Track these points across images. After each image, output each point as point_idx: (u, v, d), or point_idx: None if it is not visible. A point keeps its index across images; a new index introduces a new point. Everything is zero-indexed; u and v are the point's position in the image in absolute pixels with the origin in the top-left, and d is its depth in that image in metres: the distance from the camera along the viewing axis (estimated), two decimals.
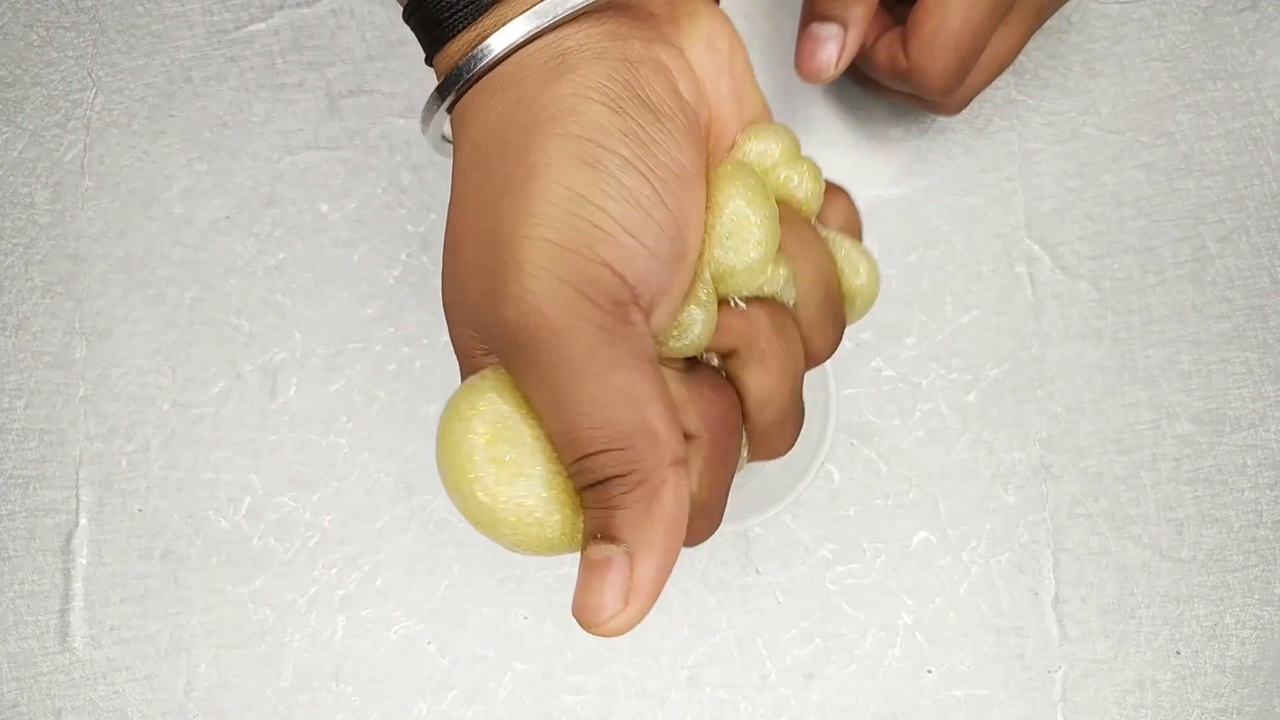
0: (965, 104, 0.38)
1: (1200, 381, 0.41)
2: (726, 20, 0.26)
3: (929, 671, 0.40)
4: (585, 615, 0.21)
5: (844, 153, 0.42)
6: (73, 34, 0.43)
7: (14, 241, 0.42)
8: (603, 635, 0.21)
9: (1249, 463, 0.41)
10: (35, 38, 0.43)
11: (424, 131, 0.25)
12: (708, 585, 0.40)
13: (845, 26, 0.35)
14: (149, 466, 0.41)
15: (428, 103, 0.24)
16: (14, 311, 0.41)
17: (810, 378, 0.38)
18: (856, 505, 0.40)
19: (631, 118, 0.22)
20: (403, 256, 0.41)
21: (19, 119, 0.42)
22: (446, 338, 0.30)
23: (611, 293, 0.21)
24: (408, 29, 0.43)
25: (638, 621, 0.22)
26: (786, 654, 0.40)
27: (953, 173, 0.42)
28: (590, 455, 0.21)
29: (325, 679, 0.40)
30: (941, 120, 0.42)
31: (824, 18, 0.36)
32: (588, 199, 0.21)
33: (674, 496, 0.22)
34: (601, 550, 0.21)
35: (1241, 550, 0.40)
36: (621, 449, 0.21)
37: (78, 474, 0.41)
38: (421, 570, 0.40)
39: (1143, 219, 0.42)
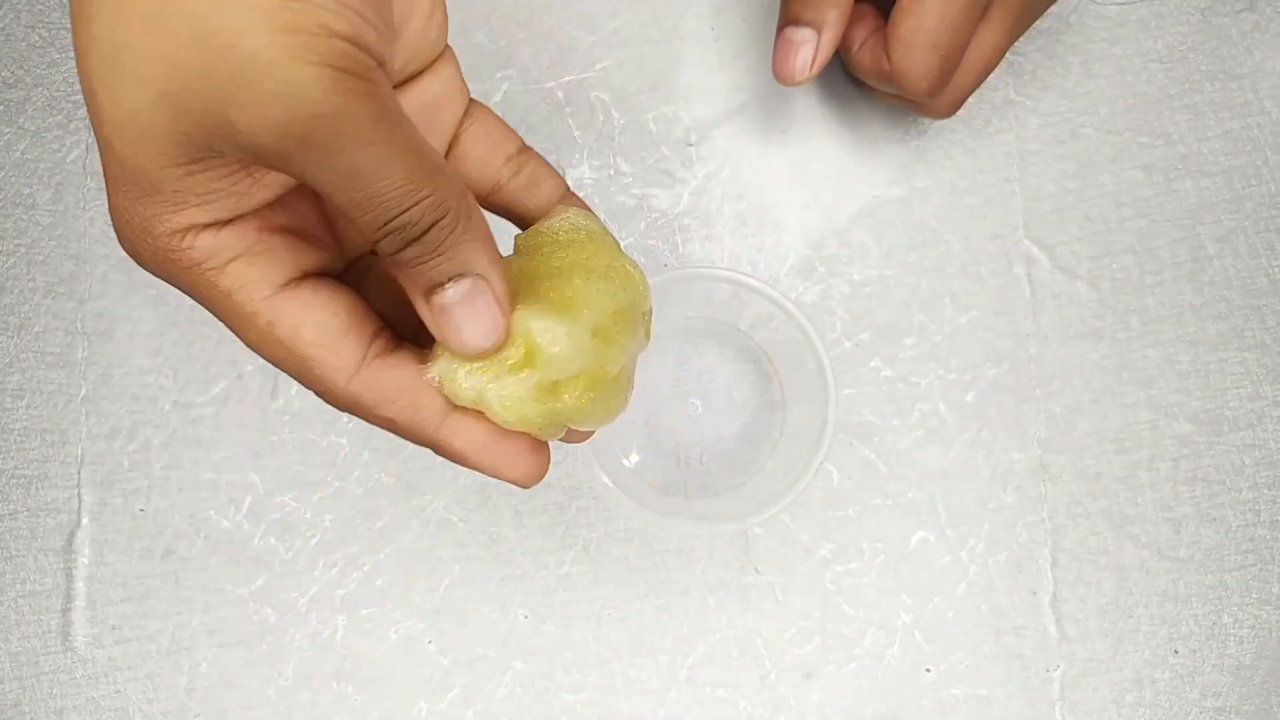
0: (956, 106, 0.38)
1: (1198, 381, 0.41)
2: None
3: (928, 671, 0.40)
4: (472, 343, 0.24)
5: (843, 153, 0.42)
6: None
7: (16, 242, 0.42)
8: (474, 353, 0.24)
9: (1247, 462, 0.41)
10: (37, 39, 0.43)
11: None
12: (707, 585, 0.40)
13: (819, 31, 0.36)
14: (150, 466, 0.41)
15: None
16: (16, 312, 0.42)
17: (810, 378, 0.38)
18: (855, 505, 0.41)
19: None
20: None
21: (21, 120, 0.42)
22: None
23: (361, 62, 0.21)
24: None
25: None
26: (786, 653, 0.40)
27: (951, 173, 0.42)
28: (405, 210, 0.22)
29: (326, 678, 0.40)
30: (940, 121, 0.42)
31: (798, 22, 0.36)
32: None
33: (481, 218, 0.24)
34: (459, 287, 0.23)
35: (1239, 550, 0.40)
36: (429, 195, 0.22)
37: (79, 474, 0.41)
38: (422, 570, 0.40)
39: (1141, 219, 0.42)
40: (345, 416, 0.41)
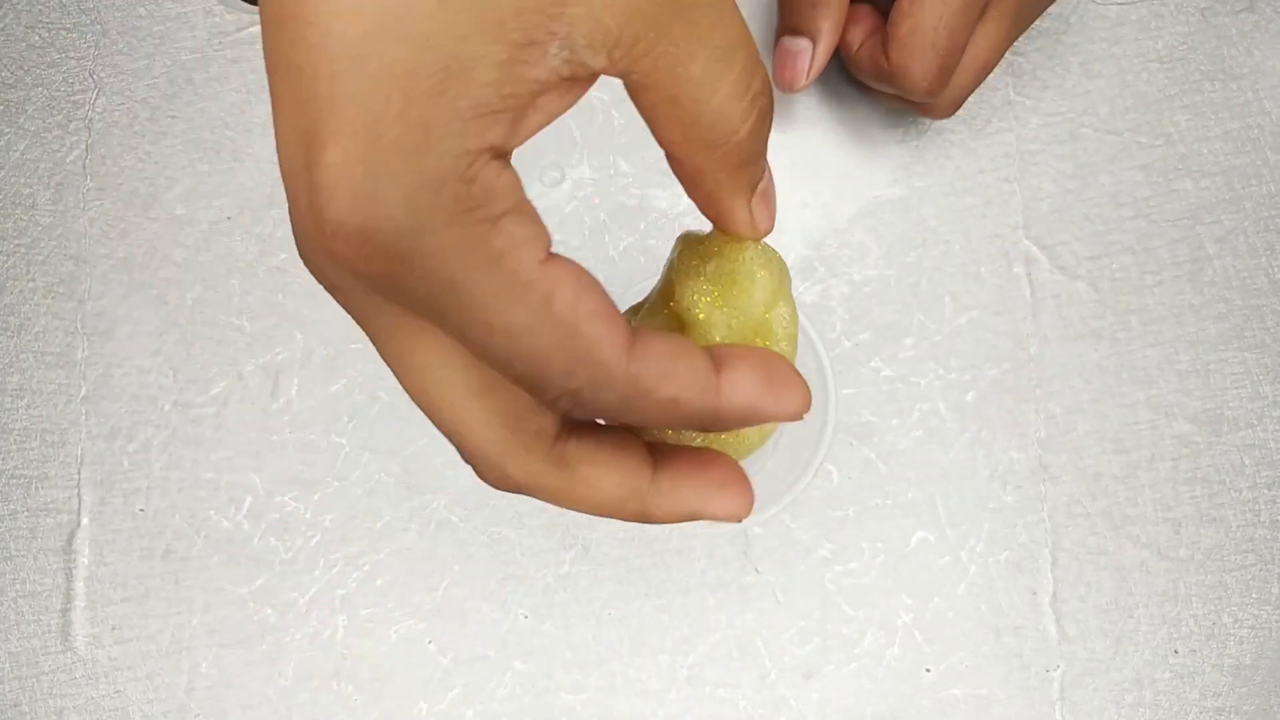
0: (956, 106, 0.38)
1: (1198, 381, 0.41)
2: None
3: (928, 670, 0.40)
4: None
5: (842, 154, 0.42)
6: (74, 35, 0.43)
7: (16, 242, 0.42)
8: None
9: (1246, 462, 0.41)
10: (37, 39, 0.43)
11: None
12: (707, 585, 0.40)
13: (815, 40, 0.37)
14: (150, 466, 0.41)
15: None
16: (16, 312, 0.42)
17: (810, 378, 0.38)
18: (855, 505, 0.41)
19: None
20: None
21: (21, 120, 0.42)
22: None
23: None
24: None
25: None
26: (785, 653, 0.40)
27: (951, 173, 0.42)
28: (758, 72, 0.20)
29: (326, 678, 0.40)
30: (939, 121, 0.42)
31: (794, 32, 0.37)
32: None
33: None
34: (767, 170, 0.22)
35: (1239, 550, 0.40)
36: (761, 63, 0.20)
37: (79, 474, 0.41)
38: (422, 570, 0.40)
39: (1140, 219, 0.42)
40: (346, 416, 0.41)
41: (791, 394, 0.22)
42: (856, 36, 0.38)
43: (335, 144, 0.16)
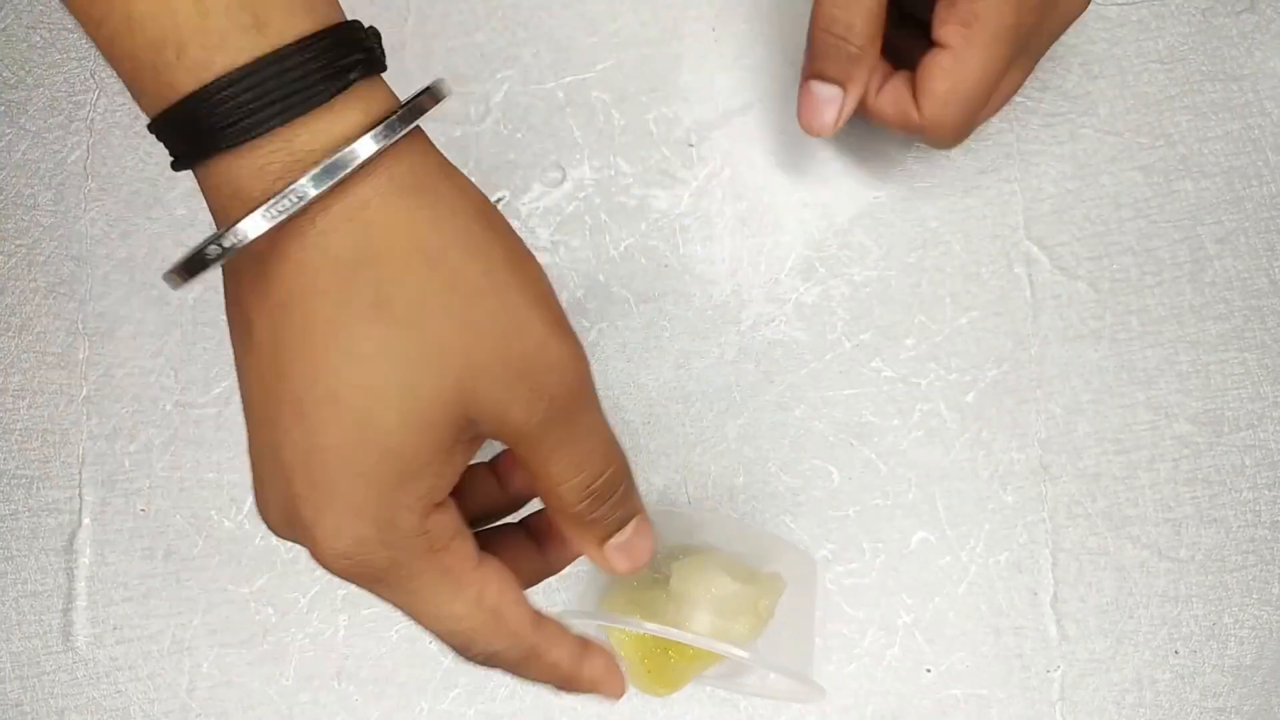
0: (963, 140, 0.37)
1: (1198, 382, 0.41)
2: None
3: (928, 671, 0.40)
4: None
5: (843, 153, 0.42)
6: (76, 35, 0.43)
7: (17, 243, 0.42)
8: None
9: (1247, 463, 0.41)
10: (38, 39, 0.43)
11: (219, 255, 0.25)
12: None
13: (845, 88, 0.36)
14: (152, 466, 0.41)
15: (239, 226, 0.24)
16: (17, 312, 0.42)
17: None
18: (856, 505, 0.41)
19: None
20: None
21: (22, 120, 0.42)
22: None
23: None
24: (416, 38, 0.43)
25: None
26: None
27: (951, 174, 0.42)
28: (607, 470, 0.28)
29: (327, 678, 0.40)
30: None
31: (824, 78, 0.36)
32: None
33: None
34: (630, 528, 0.29)
35: (1239, 550, 0.40)
36: (620, 457, 0.28)
37: (81, 474, 0.41)
38: None
39: (1141, 220, 0.42)
40: None
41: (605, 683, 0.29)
42: (873, 83, 0.36)
43: (330, 514, 0.24)
